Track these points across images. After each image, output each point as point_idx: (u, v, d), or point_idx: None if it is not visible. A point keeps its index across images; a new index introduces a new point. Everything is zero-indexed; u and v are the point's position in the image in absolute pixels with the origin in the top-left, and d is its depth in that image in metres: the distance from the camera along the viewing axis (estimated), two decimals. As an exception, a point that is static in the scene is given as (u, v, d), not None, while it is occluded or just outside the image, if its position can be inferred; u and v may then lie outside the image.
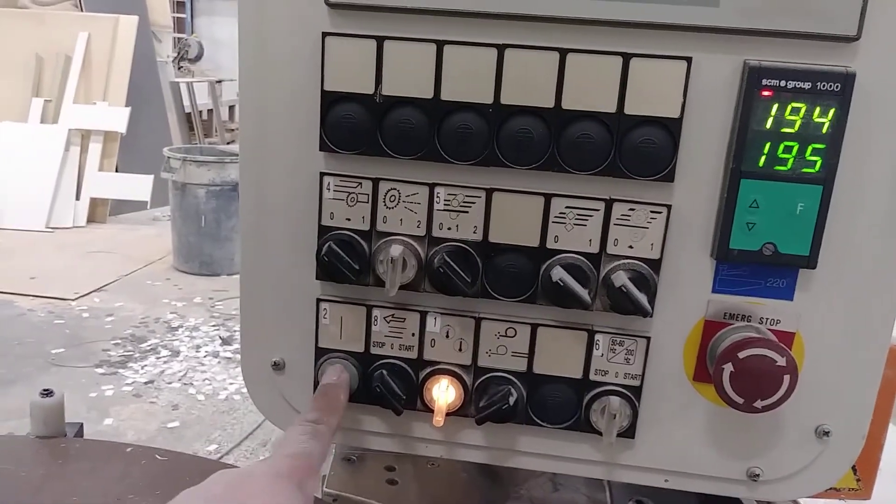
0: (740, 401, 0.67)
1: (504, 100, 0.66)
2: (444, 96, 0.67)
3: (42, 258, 4.77)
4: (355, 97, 0.68)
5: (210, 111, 9.77)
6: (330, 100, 0.68)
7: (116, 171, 5.87)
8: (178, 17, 11.63)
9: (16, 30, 5.95)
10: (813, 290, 0.69)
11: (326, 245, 0.70)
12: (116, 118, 5.78)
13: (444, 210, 0.70)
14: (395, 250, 0.68)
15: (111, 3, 6.33)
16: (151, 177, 5.50)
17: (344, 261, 0.70)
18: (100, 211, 5.81)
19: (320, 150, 0.70)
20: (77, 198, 5.67)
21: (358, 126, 0.68)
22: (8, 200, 5.44)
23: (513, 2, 0.65)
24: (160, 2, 7.83)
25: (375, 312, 0.73)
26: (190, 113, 8.87)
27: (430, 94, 0.67)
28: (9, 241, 5.09)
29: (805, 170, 0.65)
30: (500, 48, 0.66)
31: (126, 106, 5.87)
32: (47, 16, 6.11)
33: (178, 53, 9.44)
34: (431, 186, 0.69)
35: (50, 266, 4.61)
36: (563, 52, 0.65)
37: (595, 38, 0.65)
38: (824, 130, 0.64)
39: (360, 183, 0.70)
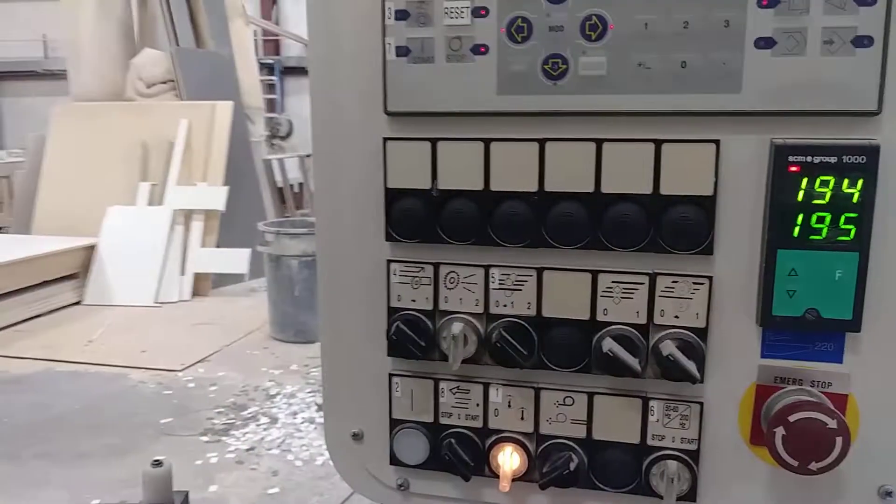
0: (795, 463, 0.69)
1: (548, 187, 0.73)
2: (493, 187, 0.74)
3: (151, 332, 5.07)
4: (414, 192, 0.76)
5: (301, 184, 10.23)
6: (392, 195, 0.77)
7: (217, 246, 6.22)
8: (269, 98, 12.28)
9: (125, 121, 6.48)
10: (862, 352, 0.70)
11: (395, 325, 0.77)
12: (216, 197, 6.16)
13: (500, 289, 0.76)
14: (457, 327, 0.75)
15: (208, 89, 6.81)
16: (248, 250, 5.80)
17: (411, 338, 0.77)
18: (203, 284, 6.15)
19: (386, 240, 0.78)
20: (182, 273, 6.03)
21: (418, 217, 0.76)
22: (120, 279, 5.84)
23: (550, 101, 0.71)
24: (252, 85, 8.35)
25: (442, 385, 0.79)
26: (282, 187, 9.31)
27: (480, 186, 0.74)
28: (121, 316, 5.44)
29: (840, 238, 0.67)
30: (542, 142, 0.72)
31: (224, 185, 6.26)
32: (151, 107, 6.63)
33: (270, 132, 9.97)
34: (486, 268, 0.76)
35: (158, 339, 4.89)
36: (599, 143, 0.71)
37: (628, 128, 0.71)
38: (855, 200, 0.66)
39: (423, 267, 0.77)
